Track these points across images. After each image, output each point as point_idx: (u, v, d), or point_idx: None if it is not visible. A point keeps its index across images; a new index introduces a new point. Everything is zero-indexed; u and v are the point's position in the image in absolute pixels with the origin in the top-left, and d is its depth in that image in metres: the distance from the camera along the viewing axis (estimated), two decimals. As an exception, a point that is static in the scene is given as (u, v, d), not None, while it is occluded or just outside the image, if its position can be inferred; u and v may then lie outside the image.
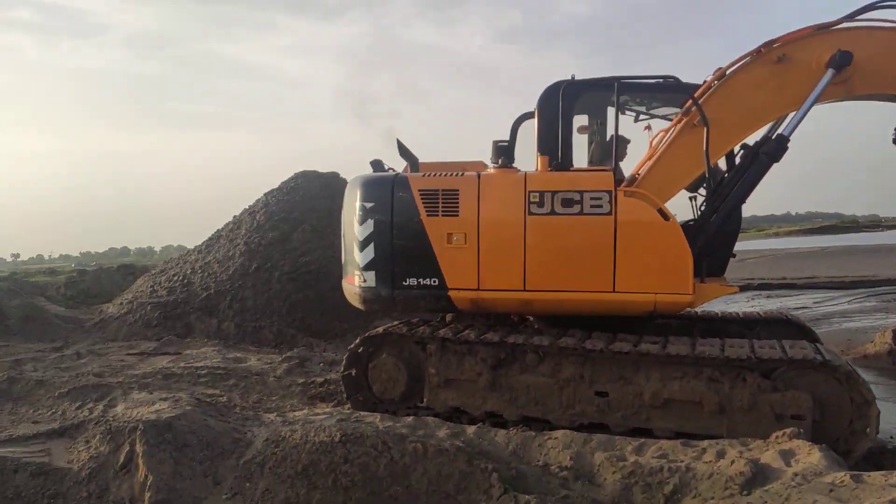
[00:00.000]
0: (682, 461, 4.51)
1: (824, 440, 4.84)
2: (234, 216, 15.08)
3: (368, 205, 6.32)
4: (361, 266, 6.33)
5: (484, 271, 6.01)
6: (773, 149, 5.71)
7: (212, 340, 11.05)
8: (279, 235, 13.28)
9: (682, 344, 5.58)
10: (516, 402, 5.91)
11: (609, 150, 6.33)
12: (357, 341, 6.58)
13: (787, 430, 4.76)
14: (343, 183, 13.70)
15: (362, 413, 5.84)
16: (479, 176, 6.19)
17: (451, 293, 6.10)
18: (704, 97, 5.82)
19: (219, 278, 12.72)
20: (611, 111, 6.42)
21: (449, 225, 6.10)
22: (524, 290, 5.96)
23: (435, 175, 6.33)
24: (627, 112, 6.90)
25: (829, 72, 5.46)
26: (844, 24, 5.64)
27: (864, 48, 5.48)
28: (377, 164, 6.90)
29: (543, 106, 6.32)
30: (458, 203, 6.09)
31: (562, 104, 6.20)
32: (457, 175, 6.27)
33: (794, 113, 5.66)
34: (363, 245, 6.31)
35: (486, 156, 6.60)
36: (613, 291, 5.78)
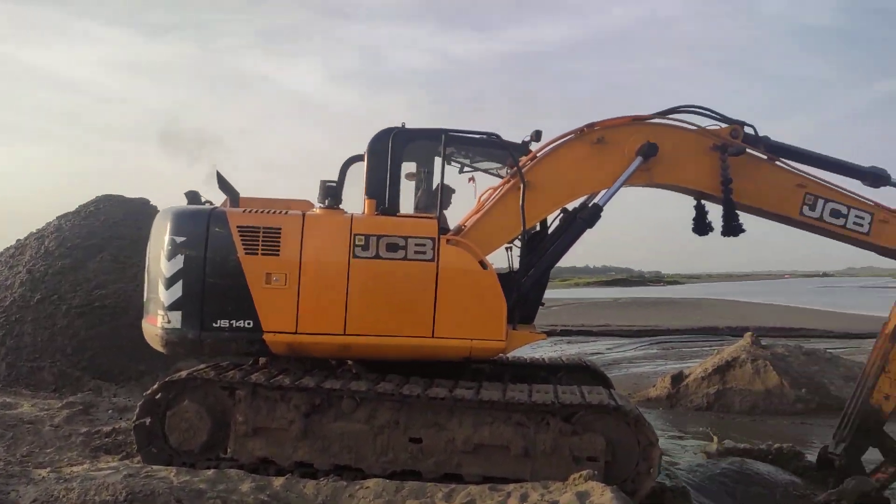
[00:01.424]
0: (489, 506, 4.61)
1: (614, 481, 5.24)
2: (18, 240, 13.23)
3: (179, 239, 5.85)
4: (166, 305, 5.82)
5: (303, 314, 5.82)
6: (589, 216, 6.24)
7: (-26, 384, 9.48)
8: (71, 263, 11.81)
9: (494, 389, 5.78)
10: (329, 450, 5.71)
11: (434, 199, 6.53)
12: (155, 386, 5.98)
13: (584, 472, 5.09)
14: (153, 211, 12.64)
15: (154, 467, 5.27)
16: (304, 215, 6.03)
17: (266, 336, 5.80)
18: (530, 165, 6.26)
19: (-10, 310, 11.00)
20: (438, 161, 6.64)
21: (268, 264, 5.83)
22: (344, 335, 5.84)
23: (256, 211, 6.06)
24: (453, 163, 7.20)
25: (638, 159, 6.13)
26: (657, 120, 6.36)
27: (668, 144, 6.21)
28: (193, 196, 6.45)
29: (373, 150, 6.38)
30: (279, 242, 5.87)
31: (391, 150, 6.30)
32: (280, 213, 6.06)
33: (606, 190, 6.25)
34: (170, 282, 5.81)
35: (312, 195, 6.49)
36: (432, 337, 5.86)
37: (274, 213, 6.05)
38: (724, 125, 6.33)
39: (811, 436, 9.58)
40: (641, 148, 6.09)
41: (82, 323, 10.89)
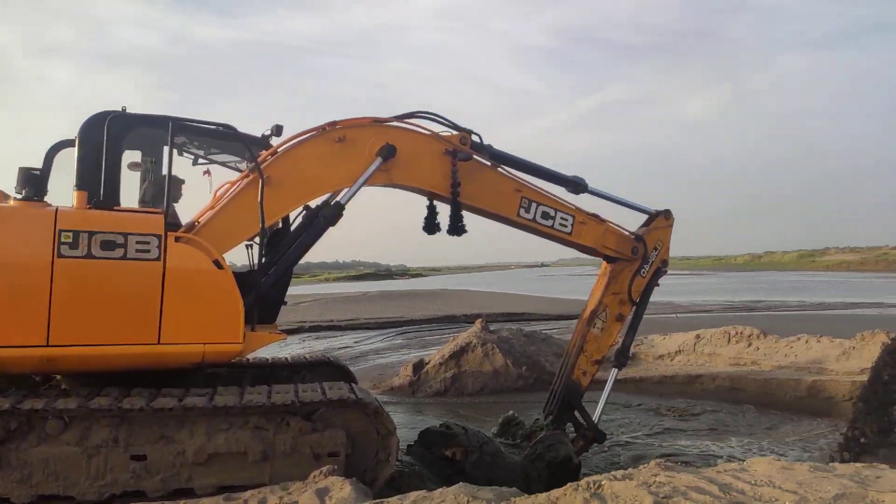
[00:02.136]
0: (223, 518, 4.37)
1: (355, 473, 5.33)
2: None
3: None
4: None
5: None
6: (331, 214, 6.19)
7: None
8: None
9: (229, 394, 5.48)
10: (29, 480, 4.91)
11: (162, 191, 5.96)
12: None
13: (324, 469, 5.08)
14: None
15: None
16: None
17: None
18: (270, 160, 6.02)
19: None
20: (167, 150, 6.09)
21: None
22: (47, 346, 5.06)
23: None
24: (186, 154, 6.66)
25: (378, 159, 6.25)
26: (395, 123, 6.54)
27: (406, 146, 6.44)
28: None
29: (85, 136, 5.62)
30: None
31: (107, 137, 5.61)
32: None
33: (348, 189, 6.28)
34: None
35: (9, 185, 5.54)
36: (158, 343, 5.35)
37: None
38: (454, 132, 6.76)
39: (531, 409, 10.80)
40: (381, 149, 6.24)
41: None
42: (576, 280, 73.16)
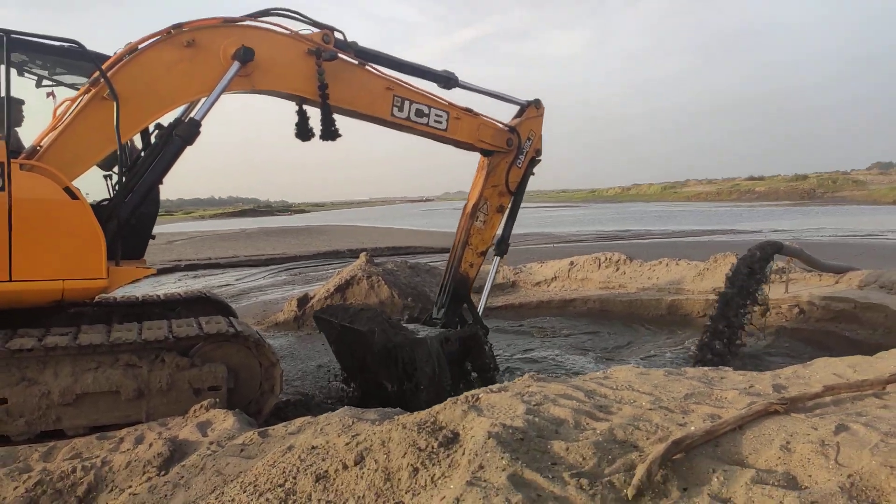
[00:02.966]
0: (97, 456, 4.22)
1: (239, 405, 5.28)
2: None
3: None
4: None
5: None
6: (185, 132, 5.69)
7: None
8: None
9: (95, 332, 5.19)
10: None
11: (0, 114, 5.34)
12: None
13: (205, 402, 5.00)
14: None
15: None
16: None
17: None
18: (113, 70, 5.46)
19: None
20: (2, 69, 5.41)
21: None
22: None
23: None
24: (28, 75, 5.96)
25: (235, 64, 5.79)
26: (249, 22, 6.02)
27: (264, 48, 5.97)
28: None
29: None
30: None
31: None
32: None
33: (205, 98, 5.83)
34: None
35: None
36: (10, 281, 4.92)
37: None
38: (315, 29, 6.33)
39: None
40: (237, 52, 5.76)
41: None
42: (457, 214, 74.48)
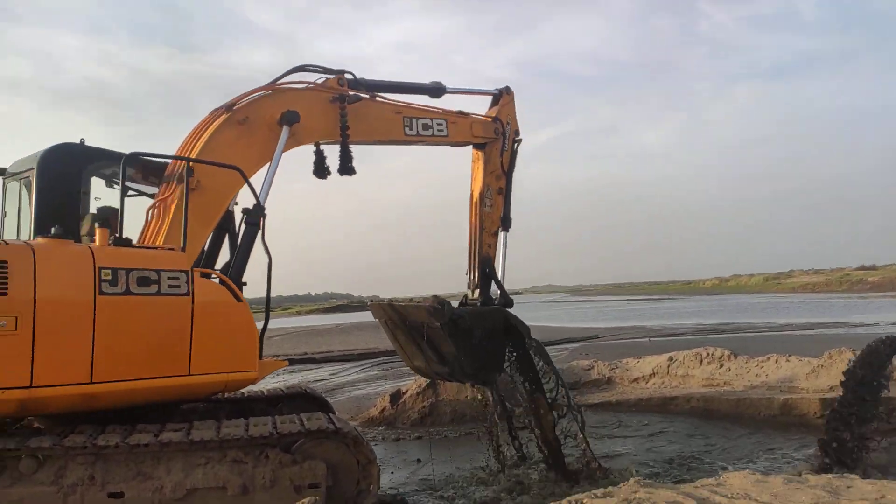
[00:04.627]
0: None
1: (337, 502, 5.30)
2: None
3: None
4: None
5: (40, 364, 4.85)
6: (253, 217, 6.14)
7: None
8: None
9: (206, 428, 5.43)
10: (3, 522, 4.79)
11: (107, 224, 5.86)
12: None
13: (305, 500, 5.03)
14: None
15: None
16: (32, 246, 5.02)
17: None
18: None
19: None
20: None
21: None
22: (90, 383, 5.06)
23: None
24: (116, 186, 6.45)
25: (285, 129, 6.35)
26: (284, 86, 6.62)
27: (303, 107, 6.54)
28: None
29: (44, 168, 5.86)
30: (6, 278, 4.77)
31: (64, 169, 5.94)
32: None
33: (268, 167, 6.30)
34: None
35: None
36: (189, 375, 5.49)
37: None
38: (329, 77, 6.93)
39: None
40: (283, 117, 6.34)
41: None
42: (549, 307, 73.50)
